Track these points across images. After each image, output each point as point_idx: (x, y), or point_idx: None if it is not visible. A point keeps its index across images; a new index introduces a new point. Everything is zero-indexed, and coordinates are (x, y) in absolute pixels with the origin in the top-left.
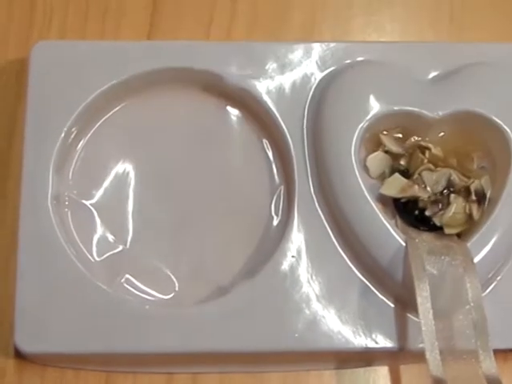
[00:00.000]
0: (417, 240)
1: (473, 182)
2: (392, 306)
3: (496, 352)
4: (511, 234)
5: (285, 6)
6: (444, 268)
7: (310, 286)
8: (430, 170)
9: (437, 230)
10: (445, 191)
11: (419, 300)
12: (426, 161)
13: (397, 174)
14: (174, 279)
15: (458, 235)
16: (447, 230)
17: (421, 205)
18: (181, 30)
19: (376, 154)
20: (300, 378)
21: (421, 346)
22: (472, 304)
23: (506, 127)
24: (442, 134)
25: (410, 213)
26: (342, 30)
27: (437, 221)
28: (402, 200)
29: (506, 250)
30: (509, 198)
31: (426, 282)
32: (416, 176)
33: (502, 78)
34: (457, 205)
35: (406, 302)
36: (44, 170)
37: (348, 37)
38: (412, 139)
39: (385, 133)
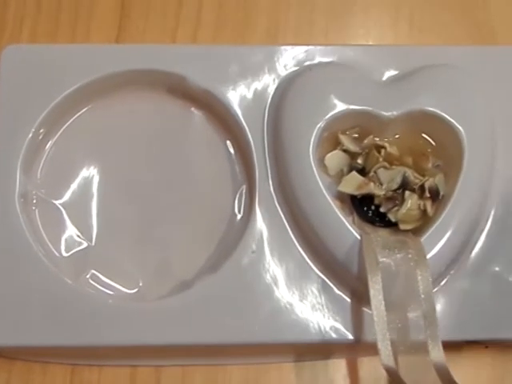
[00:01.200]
0: (371, 235)
1: (427, 179)
2: (348, 299)
3: (450, 344)
4: (464, 229)
5: (250, 11)
6: (397, 261)
7: (269, 280)
8: (385, 167)
9: (392, 226)
10: (399, 189)
11: (372, 292)
12: (381, 159)
13: (354, 172)
14: (138, 275)
15: (413, 231)
16: (402, 226)
17: (376, 201)
18: (148, 34)
19: (334, 152)
20: (261, 371)
21: (374, 337)
22: (423, 296)
23: (458, 126)
24: (398, 132)
25: (366, 209)
26: (305, 33)
27: (392, 217)
28: (359, 197)
29: (459, 245)
30: (461, 194)
31: (378, 275)
32: (372, 174)
33: (455, 78)
34: (411, 201)
35: (361, 296)
36: (12, 169)
37: (310, 40)
38: (369, 138)
39: (343, 133)
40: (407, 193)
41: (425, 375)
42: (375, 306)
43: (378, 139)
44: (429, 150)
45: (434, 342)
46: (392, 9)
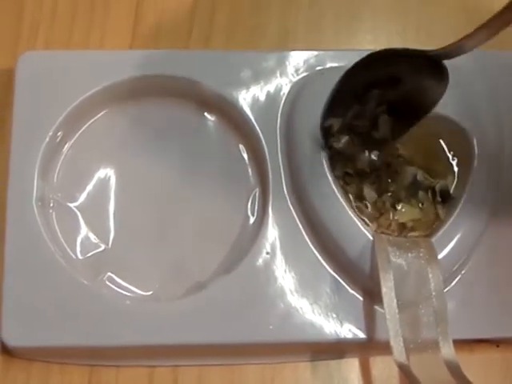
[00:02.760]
0: (383, 234)
1: (438, 182)
2: (361, 298)
3: (462, 343)
4: (474, 230)
5: (261, 17)
6: (408, 260)
7: (283, 280)
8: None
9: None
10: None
11: (384, 290)
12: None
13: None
14: (154, 276)
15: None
16: (413, 233)
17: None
18: (161, 40)
19: None
20: (276, 370)
21: (387, 335)
22: (434, 293)
23: (468, 128)
24: (408, 134)
25: None
26: (315, 39)
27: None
28: None
29: (469, 246)
30: (471, 195)
31: (390, 273)
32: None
33: (463, 82)
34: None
35: (374, 295)
36: (29, 173)
37: (320, 45)
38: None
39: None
40: (420, 194)
41: (436, 372)
42: (387, 304)
43: None
44: (438, 151)
45: (445, 339)
46: (400, 14)
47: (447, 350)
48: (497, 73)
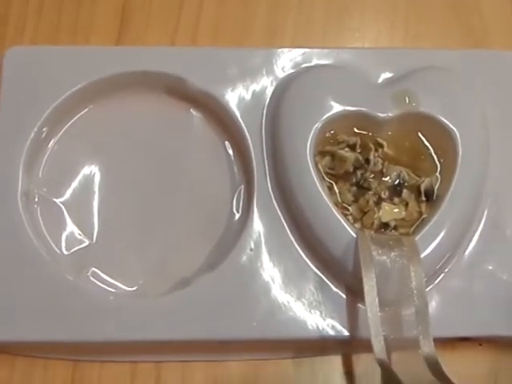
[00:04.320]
0: (366, 232)
1: (423, 181)
2: (344, 296)
3: (444, 341)
4: (457, 229)
5: (248, 14)
6: (391, 258)
7: (267, 277)
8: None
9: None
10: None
11: (366, 288)
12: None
13: None
14: (138, 272)
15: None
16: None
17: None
18: (148, 37)
19: None
20: (259, 366)
21: (369, 333)
22: (415, 292)
23: (453, 128)
24: (393, 133)
25: None
26: (303, 36)
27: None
28: None
29: (452, 245)
30: (455, 194)
31: (372, 271)
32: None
33: (449, 81)
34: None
35: (357, 293)
36: (14, 168)
37: (308, 43)
38: (367, 136)
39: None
40: (405, 192)
41: (417, 370)
42: (369, 302)
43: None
44: (423, 150)
45: (426, 337)
46: (388, 13)
47: (428, 349)
48: (482, 71)
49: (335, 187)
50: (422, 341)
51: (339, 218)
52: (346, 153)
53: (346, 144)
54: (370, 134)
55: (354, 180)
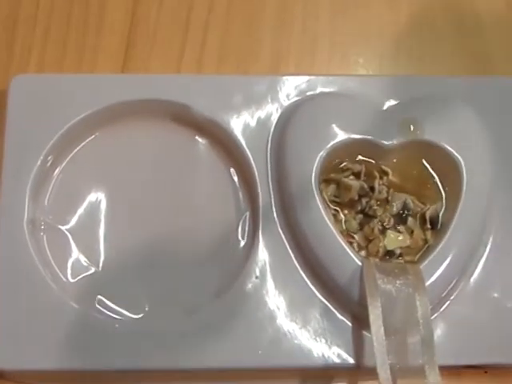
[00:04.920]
0: (371, 260)
1: (428, 208)
2: (350, 324)
3: (450, 368)
4: (463, 256)
5: (253, 42)
6: (396, 287)
7: (272, 305)
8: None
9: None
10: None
11: (371, 317)
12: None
13: None
14: (144, 300)
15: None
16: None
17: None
18: (153, 65)
19: None
20: None
21: (375, 362)
22: (421, 321)
23: (457, 156)
24: (398, 161)
25: None
26: (307, 64)
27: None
28: None
29: (458, 272)
30: (460, 222)
31: (378, 300)
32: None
33: (454, 108)
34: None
35: (363, 320)
36: (21, 195)
37: (312, 70)
38: (372, 164)
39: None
40: (410, 220)
41: None
42: (375, 331)
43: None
44: (428, 178)
45: (431, 367)
46: (392, 39)
47: (433, 379)
48: (485, 98)
49: (340, 215)
50: (427, 370)
51: (344, 246)
52: (350, 181)
53: (350, 172)
54: (375, 161)
55: (359, 208)
